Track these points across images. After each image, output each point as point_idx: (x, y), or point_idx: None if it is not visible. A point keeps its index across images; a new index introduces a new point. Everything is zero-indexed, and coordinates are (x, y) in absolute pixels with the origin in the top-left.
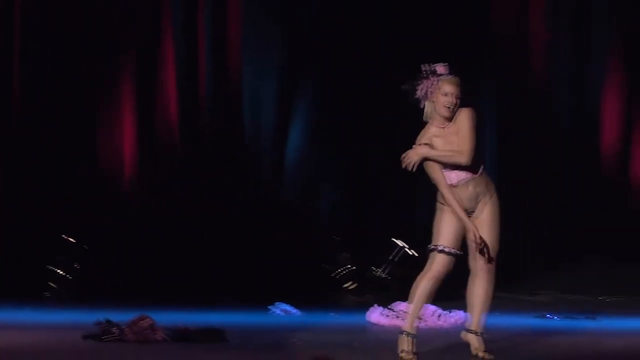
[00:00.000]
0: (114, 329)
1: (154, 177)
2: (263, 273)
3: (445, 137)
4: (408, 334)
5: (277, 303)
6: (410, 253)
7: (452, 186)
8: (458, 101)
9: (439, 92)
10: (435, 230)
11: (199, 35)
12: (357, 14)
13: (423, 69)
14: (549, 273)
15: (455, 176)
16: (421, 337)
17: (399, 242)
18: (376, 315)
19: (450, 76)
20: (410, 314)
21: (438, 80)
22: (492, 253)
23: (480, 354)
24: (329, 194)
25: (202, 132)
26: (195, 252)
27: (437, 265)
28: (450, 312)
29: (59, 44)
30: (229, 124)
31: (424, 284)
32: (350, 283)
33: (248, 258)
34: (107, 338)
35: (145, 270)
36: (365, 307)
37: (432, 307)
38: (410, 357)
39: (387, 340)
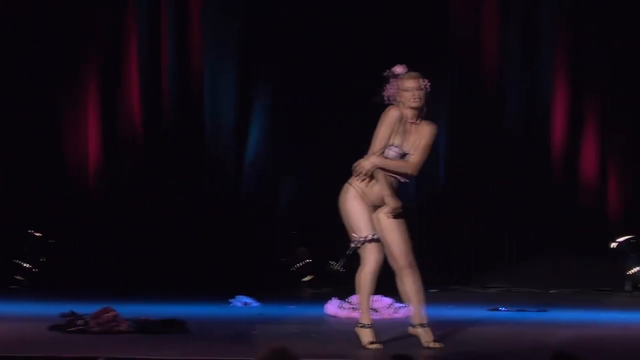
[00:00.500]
0: (79, 321)
1: (118, 177)
2: (224, 267)
3: (406, 134)
4: (366, 326)
5: (237, 296)
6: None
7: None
8: (420, 92)
9: (401, 90)
10: (353, 225)
11: (162, 36)
12: (314, 11)
13: (385, 74)
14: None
15: (393, 180)
16: (376, 329)
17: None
18: (333, 308)
19: (408, 72)
20: (363, 308)
21: (397, 81)
22: (408, 248)
23: (431, 345)
24: (288, 190)
25: (165, 131)
26: (159, 248)
27: (372, 254)
28: (406, 305)
29: (25, 42)
30: (192, 124)
31: (367, 278)
32: (308, 276)
33: (210, 252)
34: (72, 329)
35: (111, 263)
36: (322, 299)
37: (387, 300)
38: (379, 345)
39: (345, 331)
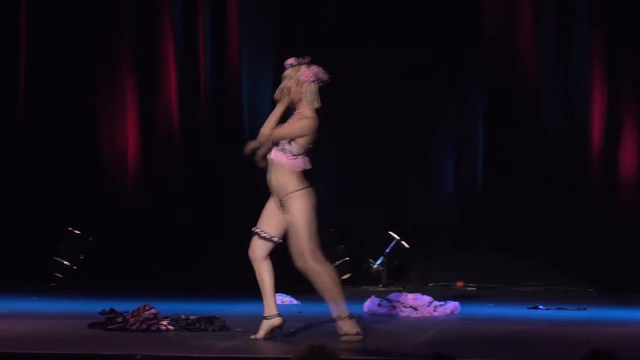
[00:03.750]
0: (119, 318)
1: (156, 175)
2: None
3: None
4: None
5: (276, 294)
6: (405, 245)
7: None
8: (287, 90)
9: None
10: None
11: (199, 36)
12: (353, 10)
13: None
14: None
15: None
16: (416, 326)
17: (394, 235)
18: (372, 306)
19: (286, 69)
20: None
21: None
22: (302, 247)
23: (348, 338)
24: (325, 188)
25: (202, 131)
26: (196, 246)
27: (250, 246)
28: (445, 303)
29: (61, 37)
30: (230, 121)
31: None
32: (346, 274)
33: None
34: (111, 327)
35: (149, 261)
36: (361, 297)
37: (427, 298)
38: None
39: (383, 329)
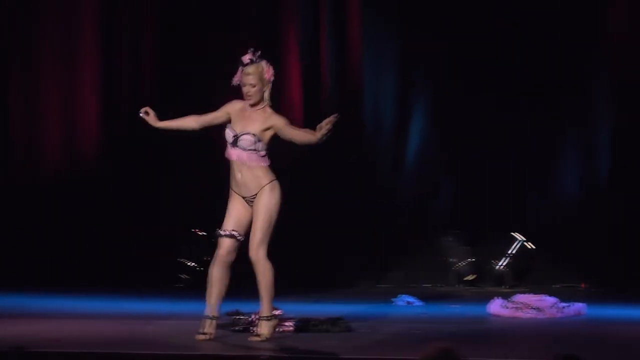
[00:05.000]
0: (244, 319)
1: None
2: (387, 267)
3: (246, 118)
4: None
5: (400, 295)
6: (529, 246)
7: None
8: (254, 88)
9: (242, 81)
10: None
11: (321, 37)
12: (474, 10)
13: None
14: None
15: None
16: (540, 327)
17: (518, 236)
18: (497, 307)
19: (248, 65)
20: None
21: (242, 70)
22: (255, 240)
23: (252, 338)
24: (449, 189)
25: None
26: (323, 248)
27: (219, 248)
28: (570, 304)
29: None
30: (351, 121)
31: (210, 270)
32: (470, 275)
33: (372, 253)
34: (237, 328)
35: (275, 262)
36: (485, 298)
37: (551, 299)
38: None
39: (509, 331)
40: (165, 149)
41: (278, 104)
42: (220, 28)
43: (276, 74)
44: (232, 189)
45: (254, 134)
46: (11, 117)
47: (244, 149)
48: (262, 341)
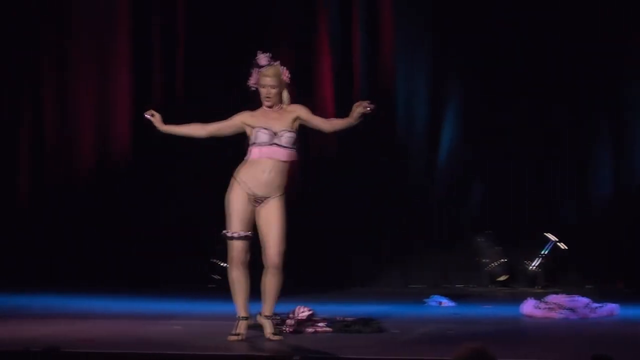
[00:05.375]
0: (275, 320)
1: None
2: (419, 268)
3: (272, 119)
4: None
5: (432, 296)
6: (562, 247)
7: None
8: (274, 90)
9: (260, 83)
10: (227, 218)
11: (354, 38)
12: (507, 14)
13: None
14: None
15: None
16: (573, 328)
17: (551, 237)
18: (529, 308)
19: (266, 67)
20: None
21: (258, 72)
22: (279, 249)
23: (272, 337)
24: (480, 189)
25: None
26: (353, 249)
27: (234, 252)
28: (603, 304)
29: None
30: (383, 123)
31: (231, 276)
32: (503, 276)
33: (407, 254)
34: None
35: (306, 263)
36: (518, 299)
37: (584, 300)
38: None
39: (542, 332)
40: (189, 154)
41: (310, 105)
42: (252, 32)
43: (308, 75)
44: (238, 185)
45: (291, 130)
46: (45, 117)
47: (283, 147)
48: (279, 340)
